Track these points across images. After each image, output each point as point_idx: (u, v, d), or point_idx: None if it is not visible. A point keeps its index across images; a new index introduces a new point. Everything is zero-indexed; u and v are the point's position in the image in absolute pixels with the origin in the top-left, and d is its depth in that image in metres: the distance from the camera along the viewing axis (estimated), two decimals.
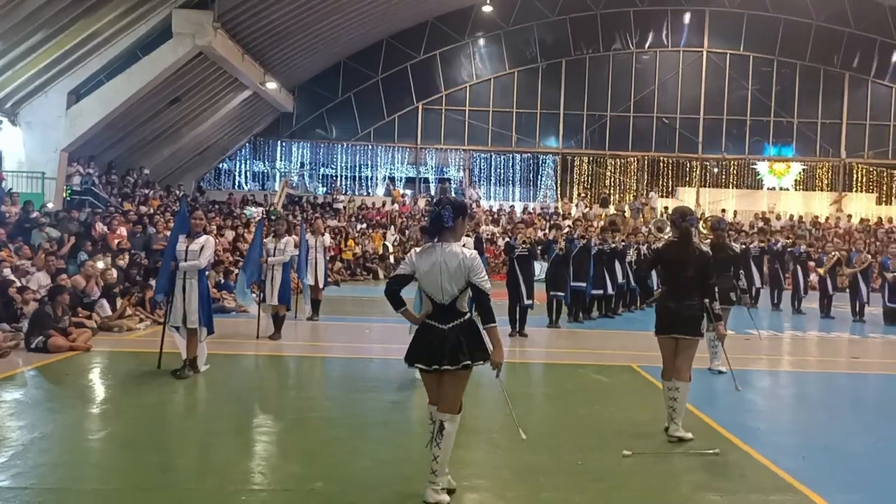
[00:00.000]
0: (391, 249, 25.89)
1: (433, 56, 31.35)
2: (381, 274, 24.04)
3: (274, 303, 10.89)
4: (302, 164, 32.00)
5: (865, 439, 6.43)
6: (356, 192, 31.66)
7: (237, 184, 31.77)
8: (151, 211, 20.81)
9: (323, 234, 13.69)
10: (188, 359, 8.11)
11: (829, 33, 30.75)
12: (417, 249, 4.75)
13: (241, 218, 23.91)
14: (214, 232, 18.39)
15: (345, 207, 29.40)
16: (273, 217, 17.66)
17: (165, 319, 8.41)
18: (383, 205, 30.36)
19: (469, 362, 4.51)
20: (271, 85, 25.56)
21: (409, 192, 31.95)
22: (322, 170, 32.14)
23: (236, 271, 13.93)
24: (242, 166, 31.94)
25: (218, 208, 25.41)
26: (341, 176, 32.08)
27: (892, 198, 31.48)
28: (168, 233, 12.62)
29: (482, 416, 6.68)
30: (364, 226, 27.49)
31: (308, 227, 13.72)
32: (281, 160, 31.95)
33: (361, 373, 9.00)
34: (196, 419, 6.97)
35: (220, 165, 31.56)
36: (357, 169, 32.03)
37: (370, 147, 31.91)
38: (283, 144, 31.87)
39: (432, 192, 31.69)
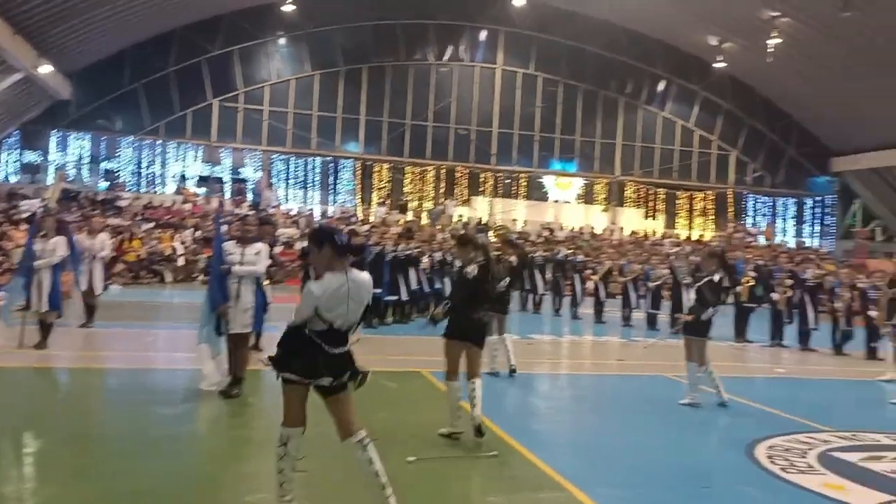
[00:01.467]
0: (180, 251, 24.58)
1: (231, 51, 30.26)
2: (168, 277, 22.76)
3: (43, 309, 9.94)
4: (80, 157, 29.52)
5: (628, 437, 7.07)
6: (143, 190, 29.74)
7: (4, 175, 28.69)
8: None
9: (98, 234, 12.66)
10: None
11: (606, 61, 33.54)
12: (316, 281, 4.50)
13: (8, 213, 21.60)
14: None
15: (129, 204, 27.49)
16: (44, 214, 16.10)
17: None
18: (173, 204, 28.76)
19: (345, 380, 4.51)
20: (45, 69, 23.35)
21: (201, 191, 30.55)
22: (104, 164, 29.85)
23: None
24: (9, 156, 28.86)
25: None
26: (126, 171, 29.99)
27: (657, 213, 34.92)
28: None
29: (273, 427, 6.53)
30: (151, 225, 25.87)
31: (82, 226, 12.67)
32: (56, 151, 29.28)
33: (141, 384, 8.46)
34: None
35: None
36: (144, 165, 30.10)
37: (159, 142, 30.15)
38: (59, 134, 29.21)
39: (227, 193, 30.58)
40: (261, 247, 7.92)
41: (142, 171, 30.11)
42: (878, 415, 9.08)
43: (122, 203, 27.45)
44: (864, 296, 13.68)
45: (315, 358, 4.43)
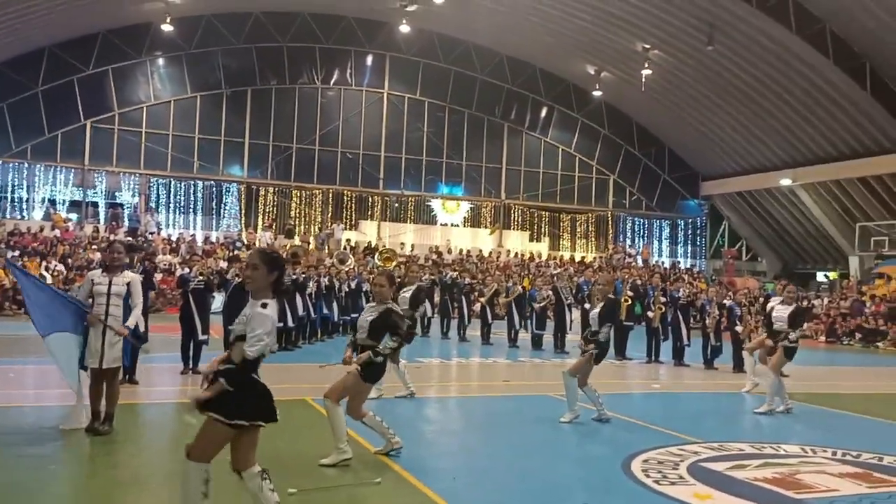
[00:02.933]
0: (49, 280, 23.18)
1: (105, 71, 29.07)
2: None
3: None
4: None
5: (512, 458, 7.17)
6: (7, 216, 27.91)
7: None
8: None
9: None
10: None
11: (491, 87, 34.40)
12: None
13: None
14: None
15: None
16: None
17: None
18: (41, 230, 27.12)
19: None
20: None
21: (73, 216, 28.98)
22: None
23: None
24: None
25: None
26: None
27: (542, 235, 35.92)
28: None
29: (149, 465, 6.22)
30: (17, 253, 24.29)
31: None
32: None
33: (2, 424, 7.87)
34: None
35: None
36: (9, 189, 28.30)
37: (27, 165, 28.45)
38: None
39: (102, 218, 29.16)
40: (131, 276, 7.57)
41: (7, 195, 28.28)
42: (743, 425, 9.62)
43: None
44: (732, 312, 14.52)
45: (269, 395, 4.33)
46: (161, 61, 30.30)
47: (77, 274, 22.86)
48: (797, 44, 26.26)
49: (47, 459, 6.60)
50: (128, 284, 7.37)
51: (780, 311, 10.24)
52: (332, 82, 32.79)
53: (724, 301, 14.87)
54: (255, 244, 28.79)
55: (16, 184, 28.41)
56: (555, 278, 19.65)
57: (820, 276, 36.57)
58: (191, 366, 11.17)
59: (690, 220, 38.40)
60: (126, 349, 7.47)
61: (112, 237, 24.38)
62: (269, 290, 4.34)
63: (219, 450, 4.28)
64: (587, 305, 9.14)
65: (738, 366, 14.13)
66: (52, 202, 28.93)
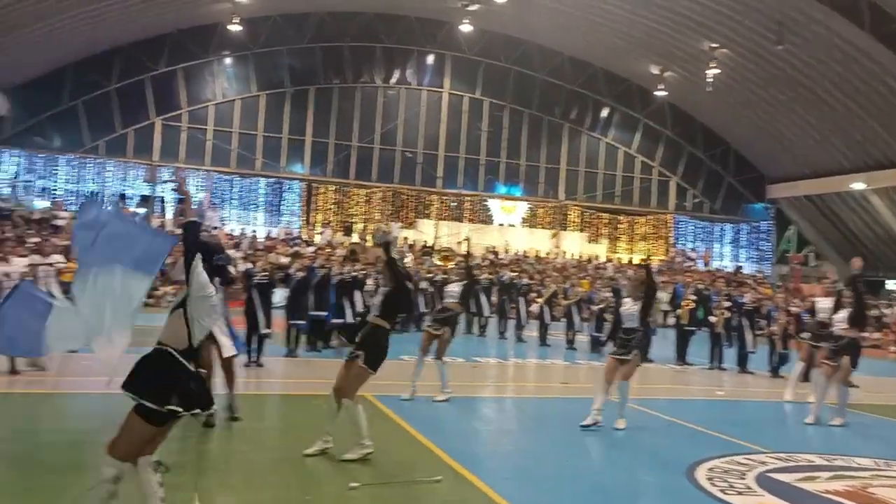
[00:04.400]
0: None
1: (175, 70, 29.87)
2: None
3: None
4: (16, 175, 28.59)
5: (571, 460, 7.10)
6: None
7: None
8: None
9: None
10: None
11: (551, 87, 34.14)
12: None
13: None
14: None
15: (67, 224, 26.66)
16: None
17: None
18: None
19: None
20: None
21: (142, 210, 29.82)
22: (40, 182, 28.98)
23: None
24: None
25: None
26: (63, 190, 29.16)
27: (600, 237, 35.50)
28: None
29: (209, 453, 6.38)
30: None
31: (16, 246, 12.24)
32: None
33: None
34: None
35: None
36: (83, 183, 29.31)
37: (99, 161, 29.43)
38: None
39: (169, 213, 29.94)
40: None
41: (79, 189, 29.31)
42: (812, 436, 9.32)
43: (60, 222, 26.61)
44: (799, 320, 14.08)
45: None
46: (228, 60, 30.98)
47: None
48: (870, 43, 25.34)
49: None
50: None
51: (824, 303, 10.20)
52: (392, 81, 33.03)
53: (791, 308, 14.45)
54: (313, 241, 29.21)
55: (88, 178, 29.40)
56: (614, 281, 19.39)
57: (890, 284, 35.22)
58: (254, 358, 11.39)
59: (755, 224, 37.44)
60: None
61: (177, 231, 25.05)
62: None
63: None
64: (624, 302, 8.82)
65: (806, 375, 13.69)
66: (123, 197, 29.84)
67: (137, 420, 3.99)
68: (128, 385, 4.02)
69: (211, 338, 7.22)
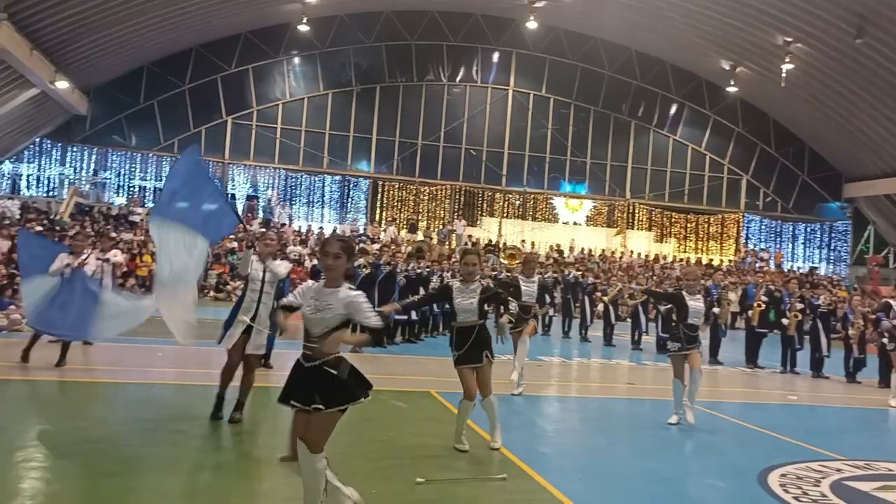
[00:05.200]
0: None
1: (245, 70, 30.59)
2: None
3: None
4: (95, 172, 29.77)
5: (639, 462, 7.00)
6: (154, 204, 29.90)
7: (17, 188, 28.96)
8: None
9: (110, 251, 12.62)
10: None
11: (618, 84, 33.64)
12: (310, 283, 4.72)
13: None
14: None
15: (142, 220, 27.64)
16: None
17: None
18: None
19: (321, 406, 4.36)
20: (62, 84, 23.66)
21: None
22: (118, 179, 30.10)
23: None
24: (24, 170, 29.15)
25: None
26: (139, 187, 30.24)
27: (667, 237, 34.84)
28: None
29: (278, 444, 6.51)
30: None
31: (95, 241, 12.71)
32: (70, 166, 29.55)
33: (149, 400, 8.45)
34: None
35: None
36: (158, 180, 30.30)
37: (173, 159, 30.35)
38: (74, 149, 29.52)
39: (240, 210, 30.67)
40: (283, 264, 7.72)
41: (155, 185, 30.31)
42: (891, 443, 8.97)
43: (136, 218, 27.62)
44: (877, 323, 13.54)
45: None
46: (297, 60, 31.56)
47: (216, 263, 24.16)
48: None
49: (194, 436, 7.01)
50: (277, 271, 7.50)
51: None
52: (458, 79, 33.09)
53: (867, 310, 13.91)
54: (379, 238, 29.51)
55: (163, 175, 30.36)
56: (681, 281, 18.97)
57: None
58: None
59: (830, 224, 36.16)
60: (271, 337, 7.63)
61: (249, 228, 25.61)
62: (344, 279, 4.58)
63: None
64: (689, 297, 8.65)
65: (885, 380, 13.18)
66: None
67: (338, 416, 4.44)
68: (339, 401, 4.44)
69: (247, 331, 7.25)
